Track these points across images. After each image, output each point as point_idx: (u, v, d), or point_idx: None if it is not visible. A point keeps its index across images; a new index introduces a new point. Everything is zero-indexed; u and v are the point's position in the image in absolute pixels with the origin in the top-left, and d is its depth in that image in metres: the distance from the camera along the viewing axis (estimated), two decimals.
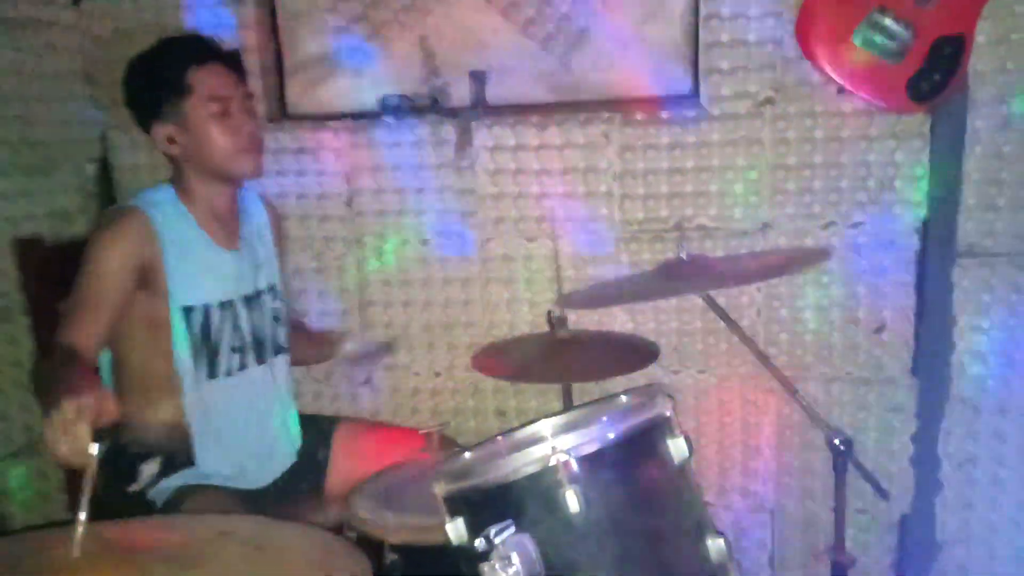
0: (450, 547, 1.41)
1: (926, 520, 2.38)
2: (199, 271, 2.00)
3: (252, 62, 2.45)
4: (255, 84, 2.45)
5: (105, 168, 2.59)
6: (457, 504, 1.40)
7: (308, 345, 2.36)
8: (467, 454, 1.56)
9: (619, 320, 2.47)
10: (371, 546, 1.68)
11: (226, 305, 2.05)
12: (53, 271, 2.13)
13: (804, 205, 2.32)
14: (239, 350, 2.08)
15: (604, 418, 1.43)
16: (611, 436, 1.38)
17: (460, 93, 2.52)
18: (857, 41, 2.10)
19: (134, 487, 1.95)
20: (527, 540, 1.32)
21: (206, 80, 1.97)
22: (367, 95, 2.56)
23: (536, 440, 1.37)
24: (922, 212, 2.26)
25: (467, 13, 2.49)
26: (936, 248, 2.27)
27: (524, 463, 1.34)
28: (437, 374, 2.61)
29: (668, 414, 1.47)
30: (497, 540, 1.30)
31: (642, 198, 2.39)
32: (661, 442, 1.45)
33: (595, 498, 1.34)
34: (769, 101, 2.28)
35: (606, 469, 1.38)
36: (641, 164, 2.37)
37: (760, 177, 2.32)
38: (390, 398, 2.64)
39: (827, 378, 2.39)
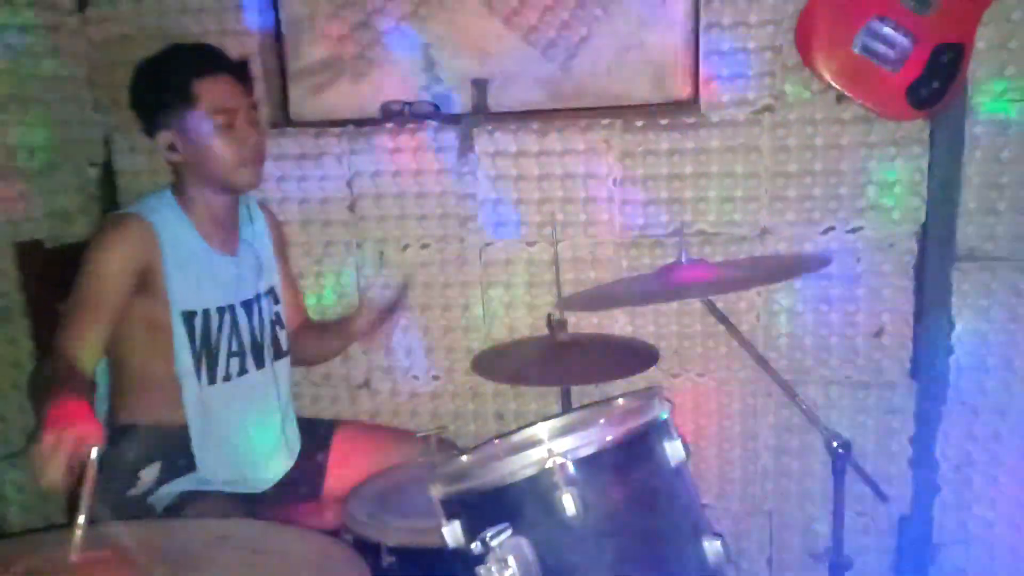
0: (447, 550, 1.41)
1: (924, 522, 2.38)
2: (198, 276, 2.01)
3: (255, 68, 2.46)
4: (259, 90, 2.45)
5: (107, 171, 2.61)
6: (454, 507, 1.40)
7: (328, 336, 2.35)
8: (464, 457, 1.56)
9: (619, 324, 2.47)
10: (369, 549, 1.69)
11: (225, 310, 2.06)
12: (53, 273, 2.14)
13: (804, 211, 2.32)
14: (238, 355, 2.09)
15: (601, 421, 1.44)
16: (608, 439, 1.38)
17: (462, 99, 2.54)
18: (856, 49, 2.10)
19: (134, 492, 1.96)
20: (524, 543, 1.32)
21: (212, 91, 1.97)
22: (369, 101, 2.57)
23: (533, 443, 1.37)
24: (921, 217, 2.26)
25: (469, 20, 2.50)
26: (935, 252, 2.27)
27: (521, 466, 1.34)
28: (436, 377, 2.61)
29: (665, 416, 1.47)
30: (494, 543, 1.30)
31: (642, 203, 2.40)
32: (658, 445, 1.45)
33: (592, 501, 1.34)
34: (768, 108, 2.29)
35: (603, 472, 1.38)
36: (641, 170, 2.38)
37: (760, 183, 2.33)
38: (389, 401, 2.65)
39: (826, 381, 2.40)
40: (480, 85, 2.49)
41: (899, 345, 2.34)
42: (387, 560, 1.70)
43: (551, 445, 1.34)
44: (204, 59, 2.02)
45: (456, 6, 2.49)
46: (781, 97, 2.27)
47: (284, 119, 2.63)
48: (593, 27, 2.43)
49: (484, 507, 1.36)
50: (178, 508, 1.92)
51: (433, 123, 2.46)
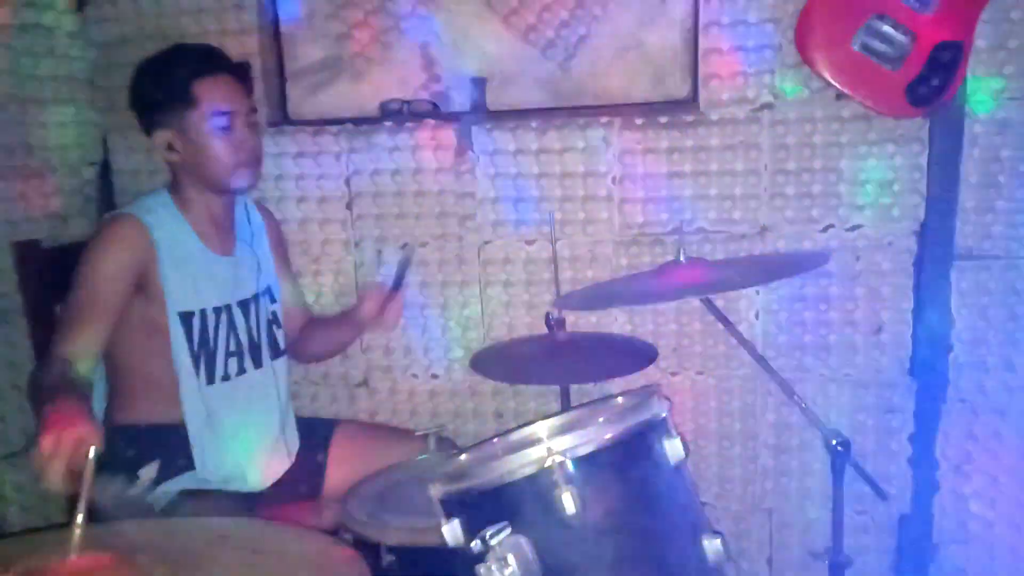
0: (447, 549, 1.41)
1: (924, 521, 2.38)
2: (194, 277, 2.01)
3: (254, 67, 2.46)
4: (257, 89, 2.45)
5: (104, 171, 2.60)
6: (453, 506, 1.40)
7: (336, 329, 2.35)
8: (463, 456, 1.56)
9: (617, 322, 2.47)
10: (368, 548, 1.69)
11: (222, 310, 2.06)
12: (51, 274, 2.14)
13: (803, 209, 2.33)
14: (236, 354, 2.09)
15: (600, 419, 1.44)
16: (607, 437, 1.38)
17: (460, 98, 2.54)
18: (856, 47, 2.10)
19: (133, 491, 1.95)
20: (523, 542, 1.32)
21: (212, 93, 1.97)
22: (368, 100, 2.57)
23: (532, 442, 1.37)
24: (920, 215, 2.26)
25: (468, 19, 2.50)
26: (934, 250, 2.27)
27: (520, 464, 1.34)
28: (435, 376, 2.61)
29: (664, 415, 1.47)
30: (493, 542, 1.30)
31: (641, 202, 2.39)
32: (657, 443, 1.45)
33: (591, 499, 1.34)
34: (767, 106, 2.29)
35: (602, 470, 1.38)
36: (640, 168, 2.38)
37: (759, 181, 2.33)
38: (388, 400, 2.65)
39: (825, 379, 2.40)
40: (479, 84, 2.49)
41: (898, 343, 2.34)
42: (387, 559, 1.69)
43: (550, 444, 1.34)
44: (206, 60, 2.02)
45: (455, 5, 2.49)
46: (780, 95, 2.27)
47: (282, 118, 2.62)
48: (592, 26, 2.43)
49: (483, 506, 1.36)
50: (176, 507, 1.92)
51: (432, 122, 2.45)
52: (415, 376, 2.62)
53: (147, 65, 2.02)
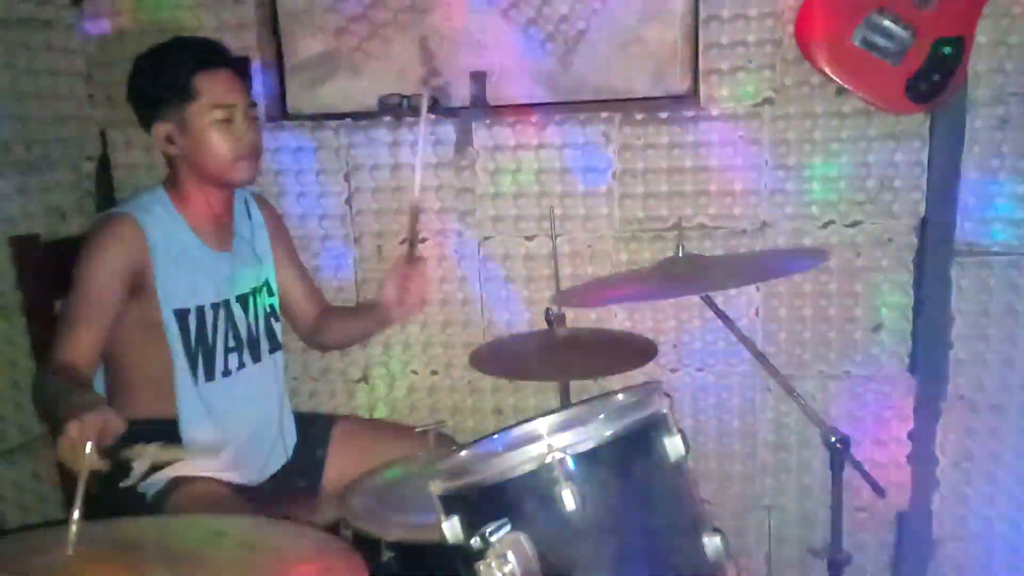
0: (446, 546, 1.41)
1: (923, 517, 2.38)
2: (191, 274, 2.00)
3: (252, 61, 2.46)
4: (256, 83, 2.45)
5: (103, 166, 2.60)
6: (453, 502, 1.40)
7: (357, 320, 2.32)
8: (463, 452, 1.56)
9: (617, 318, 2.47)
10: (367, 544, 1.68)
11: (219, 306, 2.06)
12: (50, 269, 2.13)
13: (803, 205, 2.32)
14: (235, 350, 2.09)
15: (600, 416, 1.43)
16: (607, 434, 1.37)
17: (460, 93, 2.53)
18: (856, 42, 2.10)
19: (126, 483, 1.95)
20: (523, 538, 1.31)
21: (212, 86, 1.96)
22: (367, 95, 2.56)
23: (532, 438, 1.36)
24: (920, 211, 2.26)
25: (467, 13, 2.49)
26: (934, 247, 2.27)
27: (520, 461, 1.33)
28: (435, 372, 2.61)
29: (664, 411, 1.46)
30: (493, 539, 1.29)
31: (641, 197, 2.39)
32: (657, 440, 1.44)
33: (591, 496, 1.33)
34: (768, 101, 2.28)
35: (602, 467, 1.37)
36: (640, 164, 2.37)
37: (759, 177, 2.32)
38: (387, 396, 2.65)
39: (825, 376, 2.40)
40: (479, 78, 2.48)
41: (898, 340, 2.34)
42: (386, 555, 1.69)
43: (550, 440, 1.33)
44: (206, 53, 2.01)
45: None
46: (781, 90, 2.27)
47: (281, 113, 2.62)
48: (592, 20, 2.42)
49: (483, 502, 1.35)
50: (169, 493, 1.91)
51: (431, 117, 2.45)
52: (414, 372, 2.62)
53: (146, 58, 2.01)
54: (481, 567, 1.29)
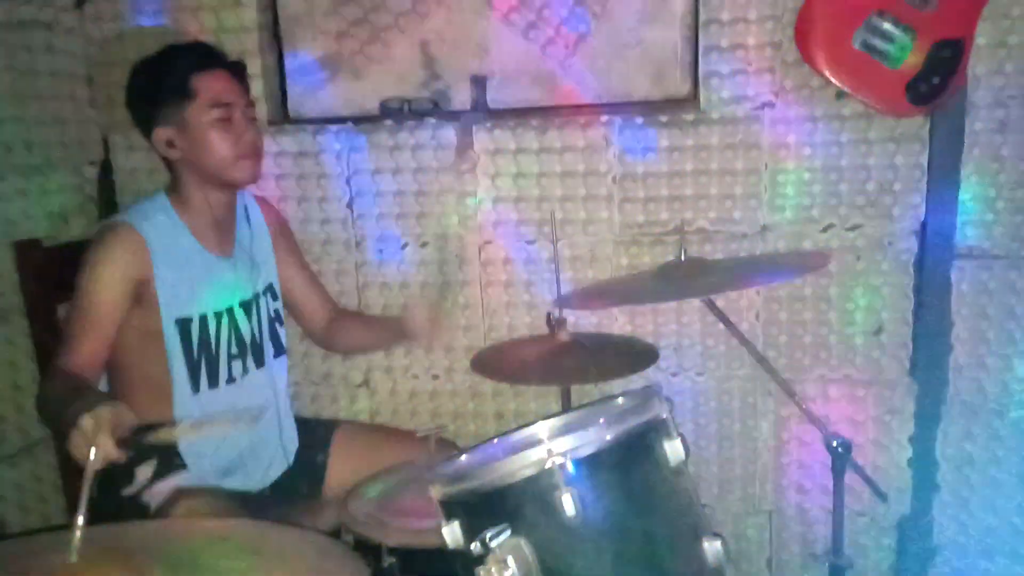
0: (447, 551, 1.41)
1: (924, 522, 2.38)
2: (193, 282, 2.00)
3: (254, 65, 2.46)
4: (257, 87, 2.46)
5: (105, 170, 2.60)
6: (453, 507, 1.40)
7: (373, 330, 2.33)
8: (463, 457, 1.56)
9: (618, 323, 2.47)
10: (369, 549, 1.69)
11: (223, 314, 2.06)
12: (51, 273, 2.13)
13: (803, 208, 2.32)
14: (239, 356, 2.09)
15: (601, 420, 1.43)
16: (608, 438, 1.37)
17: (461, 97, 2.53)
18: (856, 45, 2.10)
19: (129, 490, 1.96)
20: (523, 543, 1.32)
21: (210, 85, 1.98)
22: (368, 99, 2.57)
23: (532, 443, 1.37)
24: (920, 214, 2.26)
25: (467, 17, 2.49)
26: (935, 250, 2.27)
27: (520, 466, 1.34)
28: (436, 377, 2.61)
29: (665, 416, 1.46)
30: (493, 544, 1.29)
31: (642, 201, 2.39)
32: (658, 444, 1.45)
33: (591, 501, 1.33)
34: (768, 105, 2.28)
35: (603, 472, 1.37)
36: (641, 167, 2.37)
37: (759, 180, 2.32)
38: (388, 401, 2.65)
39: (825, 380, 2.40)
40: (479, 82, 2.49)
41: (898, 344, 2.34)
42: (387, 560, 1.69)
43: (551, 445, 1.33)
44: (202, 55, 2.04)
45: (455, 3, 2.48)
46: (781, 93, 2.27)
47: (283, 116, 2.62)
48: (592, 24, 2.43)
49: (483, 507, 1.36)
50: (171, 504, 1.91)
51: (432, 121, 2.45)
52: (416, 377, 2.62)
53: (143, 65, 2.04)
54: (481, 572, 1.29)
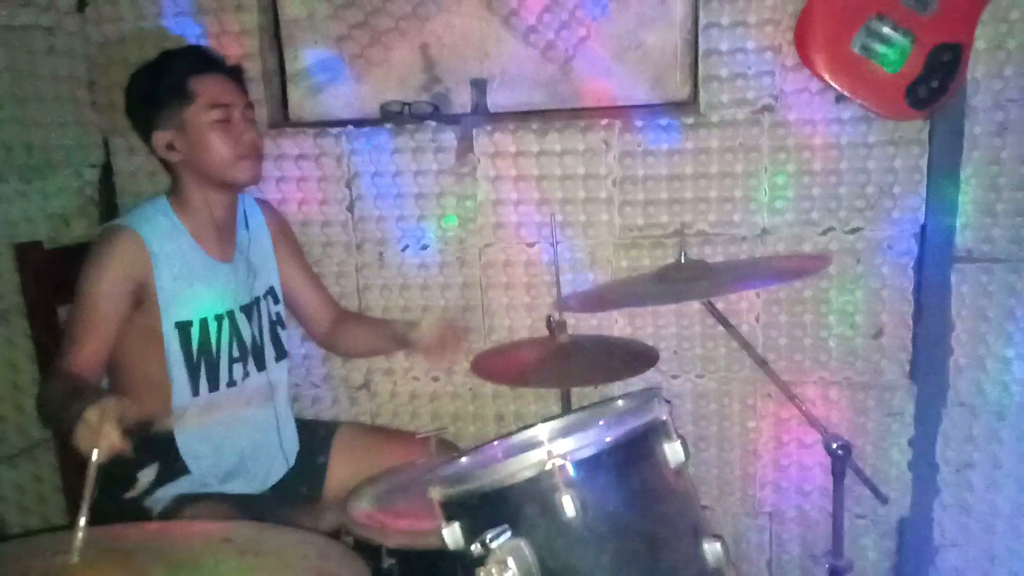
0: (447, 552, 1.41)
1: (924, 524, 2.38)
2: (194, 286, 2.01)
3: (254, 68, 2.47)
4: (258, 90, 2.47)
5: (105, 172, 2.60)
6: (454, 509, 1.40)
7: (380, 336, 2.29)
8: (463, 459, 1.56)
9: (618, 325, 2.47)
10: (369, 551, 1.69)
11: (224, 317, 2.06)
12: (52, 274, 2.14)
13: (803, 211, 2.33)
14: (240, 360, 2.09)
15: (601, 422, 1.44)
16: (608, 440, 1.37)
17: (461, 100, 2.54)
18: (855, 48, 2.11)
19: (131, 494, 1.96)
20: (523, 545, 1.32)
21: (208, 87, 1.99)
22: (368, 102, 2.57)
23: (533, 444, 1.37)
24: (920, 217, 2.26)
25: (468, 21, 2.50)
26: (934, 253, 2.27)
27: (521, 468, 1.34)
28: (436, 379, 2.61)
29: (665, 418, 1.47)
30: (493, 545, 1.30)
31: (642, 204, 2.39)
32: (658, 446, 1.45)
33: (592, 502, 1.34)
34: (768, 108, 2.29)
35: (603, 473, 1.37)
36: (641, 170, 2.38)
37: (759, 183, 2.33)
38: (389, 403, 2.65)
39: (825, 383, 2.40)
40: (479, 85, 2.49)
41: (898, 346, 2.34)
42: (387, 562, 1.69)
43: (551, 447, 1.33)
44: (200, 58, 2.06)
45: (455, 7, 2.49)
46: (780, 97, 2.28)
47: (283, 120, 2.62)
48: (592, 27, 2.43)
49: (484, 509, 1.36)
50: (174, 511, 1.92)
51: (432, 124, 2.45)
52: (416, 379, 2.62)
53: (141, 70, 2.05)
54: (481, 573, 1.29)
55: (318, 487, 2.20)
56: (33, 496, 2.37)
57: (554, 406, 2.46)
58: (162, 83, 1.99)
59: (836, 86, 2.15)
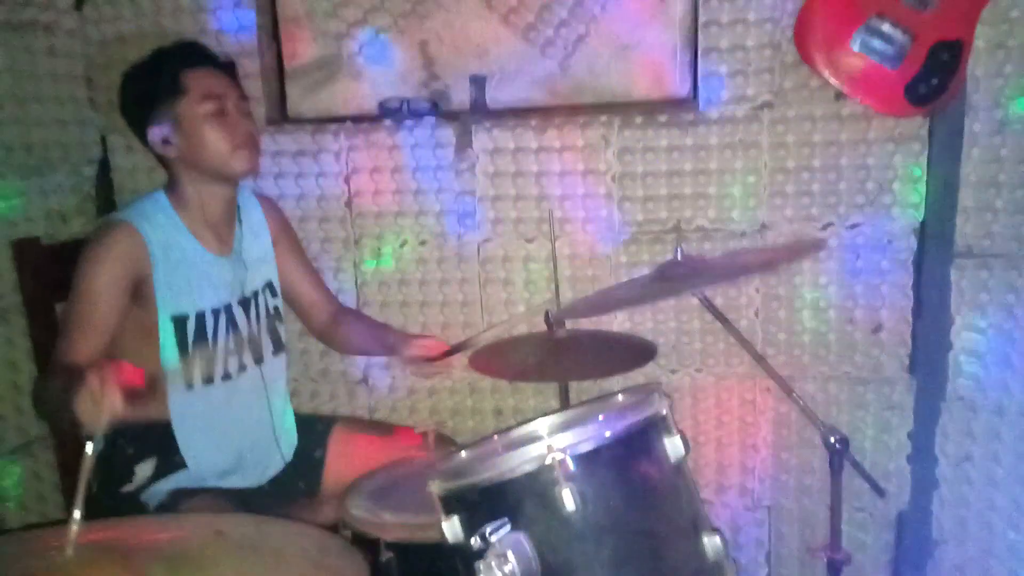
0: (446, 546, 1.41)
1: (922, 518, 2.39)
2: (191, 280, 2.00)
3: (253, 65, 2.47)
4: (256, 87, 2.47)
5: (103, 169, 2.60)
6: (453, 502, 1.40)
7: (376, 339, 2.28)
8: (463, 452, 1.56)
9: (617, 320, 2.47)
10: (367, 545, 1.69)
11: (221, 311, 2.06)
12: (50, 272, 2.14)
13: (802, 207, 2.33)
14: (236, 353, 2.09)
15: (600, 417, 1.44)
16: (607, 434, 1.38)
17: (460, 97, 2.54)
18: (855, 46, 2.11)
19: (128, 488, 1.96)
20: (523, 539, 1.32)
21: (200, 80, 1.98)
22: (367, 99, 2.57)
23: (532, 439, 1.37)
24: (920, 214, 2.27)
25: (467, 18, 2.50)
26: (934, 249, 2.28)
27: (520, 461, 1.34)
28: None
29: (664, 412, 1.47)
30: (493, 539, 1.30)
31: (641, 200, 2.39)
32: (657, 440, 1.45)
33: (591, 496, 1.34)
34: (767, 105, 2.29)
35: (602, 467, 1.38)
36: (640, 167, 2.38)
37: (758, 180, 2.33)
38: (387, 397, 2.65)
39: (824, 377, 2.40)
40: (478, 82, 2.49)
41: (898, 341, 2.34)
42: (386, 555, 1.69)
43: (550, 441, 1.34)
44: (191, 53, 2.05)
45: (454, 4, 2.49)
46: (780, 94, 2.28)
47: (281, 116, 2.62)
48: (591, 24, 2.43)
49: (483, 503, 1.36)
50: (171, 505, 1.92)
51: (431, 120, 2.45)
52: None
53: (134, 68, 2.05)
54: (481, 567, 1.29)
55: (316, 481, 2.20)
56: (32, 494, 2.37)
57: (552, 401, 2.46)
58: (154, 79, 1.99)
59: (836, 83, 2.15)
